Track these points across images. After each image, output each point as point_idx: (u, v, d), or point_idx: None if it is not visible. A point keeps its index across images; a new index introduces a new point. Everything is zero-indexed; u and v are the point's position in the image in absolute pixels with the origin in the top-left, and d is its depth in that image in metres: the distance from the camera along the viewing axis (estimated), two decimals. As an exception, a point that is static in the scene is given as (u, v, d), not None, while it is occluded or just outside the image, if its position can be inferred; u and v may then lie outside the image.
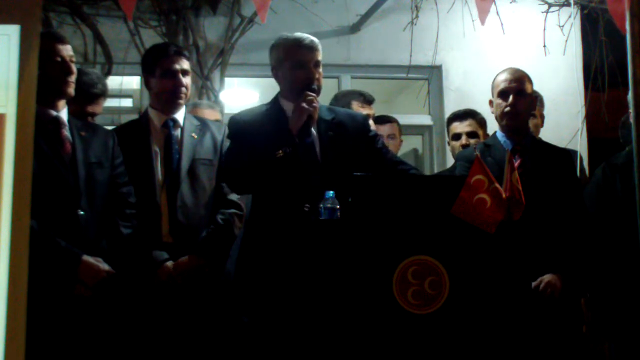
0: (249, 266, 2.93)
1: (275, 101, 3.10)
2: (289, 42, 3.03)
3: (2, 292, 2.17)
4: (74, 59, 3.03)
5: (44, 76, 2.91)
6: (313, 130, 2.99)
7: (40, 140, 2.88)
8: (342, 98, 3.92)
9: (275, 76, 3.09)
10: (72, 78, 2.99)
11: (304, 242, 2.53)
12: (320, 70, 3.03)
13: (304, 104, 2.91)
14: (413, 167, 3.29)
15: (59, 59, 2.96)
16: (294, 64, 3.00)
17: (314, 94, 2.95)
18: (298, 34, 3.06)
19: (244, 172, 2.94)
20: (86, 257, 2.85)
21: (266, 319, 2.72)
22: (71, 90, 3.00)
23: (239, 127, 3.05)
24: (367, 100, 3.95)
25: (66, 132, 2.99)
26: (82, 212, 2.89)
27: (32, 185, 2.74)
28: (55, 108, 2.99)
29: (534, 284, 3.03)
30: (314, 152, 2.98)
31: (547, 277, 3.04)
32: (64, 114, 3.02)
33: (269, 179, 2.89)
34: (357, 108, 3.77)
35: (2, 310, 2.17)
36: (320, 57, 3.03)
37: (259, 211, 3.00)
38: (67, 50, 3.00)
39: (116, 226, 2.98)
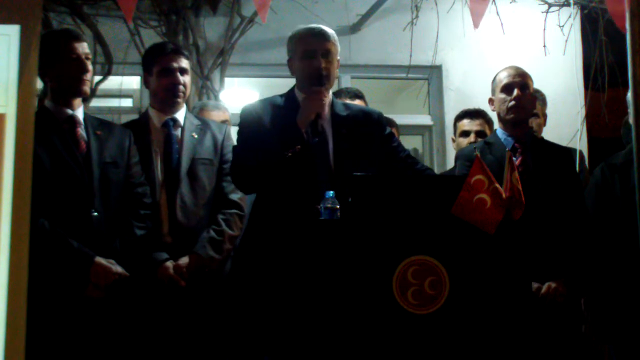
0: (248, 264, 2.89)
1: (290, 93, 3.03)
2: (301, 31, 2.99)
3: (2, 292, 2.17)
4: (89, 57, 3.02)
5: (60, 74, 2.93)
6: (325, 126, 2.94)
7: (54, 139, 2.89)
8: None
9: (290, 68, 3.02)
10: (88, 76, 2.98)
11: (305, 242, 2.53)
12: (333, 60, 2.95)
13: (311, 101, 2.85)
14: (428, 168, 3.26)
15: (74, 56, 2.95)
16: (303, 53, 2.95)
17: (321, 88, 2.88)
18: (314, 25, 3.01)
19: (252, 171, 2.86)
20: (99, 259, 2.84)
21: (265, 318, 2.72)
22: (87, 88, 2.99)
23: (250, 119, 2.95)
24: (355, 95, 3.94)
25: (81, 131, 2.98)
26: (95, 213, 2.89)
27: (46, 185, 2.78)
28: (71, 107, 2.99)
29: (541, 291, 3.03)
30: (326, 150, 2.90)
31: (552, 285, 3.05)
32: (79, 112, 3.01)
33: (277, 178, 2.82)
34: None
35: (2, 310, 2.17)
36: (331, 47, 2.95)
37: (263, 209, 2.92)
38: (82, 48, 2.99)
39: (130, 227, 2.97)
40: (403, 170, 3.01)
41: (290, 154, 2.78)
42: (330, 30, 3.00)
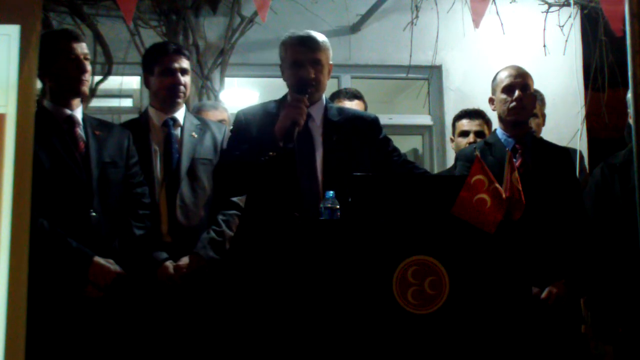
0: (246, 265, 2.91)
1: (283, 98, 3.06)
2: (291, 39, 3.00)
3: (2, 292, 2.17)
4: (88, 57, 3.03)
5: (59, 75, 2.94)
6: (315, 133, 2.96)
7: (53, 139, 2.89)
8: (331, 98, 3.92)
9: (281, 74, 3.06)
10: (87, 77, 3.00)
11: (305, 242, 2.53)
12: (322, 68, 2.96)
13: (289, 109, 2.85)
14: (427, 172, 3.25)
15: (73, 57, 2.95)
16: (291, 62, 2.97)
17: (301, 96, 2.88)
18: (304, 32, 3.02)
19: (230, 174, 2.92)
20: (97, 259, 2.85)
21: (265, 318, 2.72)
22: (86, 88, 3.00)
23: (240, 124, 3.02)
24: (353, 95, 3.94)
25: (80, 131, 2.99)
26: (94, 214, 2.89)
27: (45, 185, 2.79)
28: (70, 107, 2.99)
29: (542, 296, 3.03)
30: (312, 157, 2.91)
31: (553, 290, 3.04)
32: (78, 112, 3.02)
33: (254, 182, 2.86)
34: (344, 104, 3.75)
35: (2, 310, 2.17)
36: (321, 56, 2.96)
37: (250, 214, 2.98)
38: (81, 48, 2.99)
39: (129, 227, 2.97)
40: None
41: (264, 159, 2.78)
42: (320, 37, 3.00)
